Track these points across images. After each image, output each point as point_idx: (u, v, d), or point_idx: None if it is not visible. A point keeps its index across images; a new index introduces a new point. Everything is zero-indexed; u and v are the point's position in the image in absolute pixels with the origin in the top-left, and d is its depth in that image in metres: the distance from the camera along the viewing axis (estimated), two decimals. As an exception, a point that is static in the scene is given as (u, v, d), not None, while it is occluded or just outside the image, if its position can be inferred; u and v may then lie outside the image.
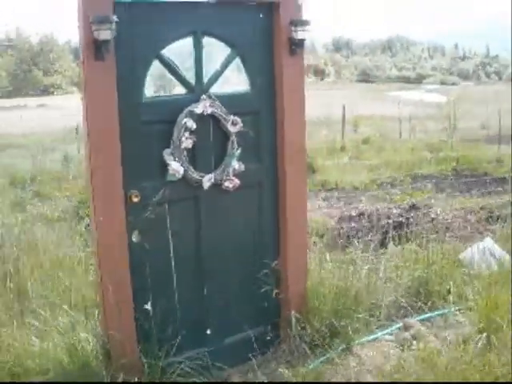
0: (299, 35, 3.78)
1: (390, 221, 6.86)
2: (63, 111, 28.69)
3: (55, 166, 12.94)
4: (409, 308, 4.74)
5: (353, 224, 7.00)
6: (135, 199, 3.51)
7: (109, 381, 3.35)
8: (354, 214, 7.63)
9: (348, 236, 6.48)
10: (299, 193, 4.15)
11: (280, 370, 3.78)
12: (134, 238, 3.57)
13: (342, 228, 6.63)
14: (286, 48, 3.86)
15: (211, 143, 3.78)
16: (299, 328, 4.08)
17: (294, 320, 4.05)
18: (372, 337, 4.38)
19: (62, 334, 3.58)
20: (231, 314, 4.04)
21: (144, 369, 3.55)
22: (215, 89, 3.76)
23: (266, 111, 3.98)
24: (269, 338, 4.10)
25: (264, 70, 3.92)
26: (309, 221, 6.09)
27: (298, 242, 4.18)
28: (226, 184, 3.79)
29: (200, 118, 3.63)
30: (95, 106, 3.33)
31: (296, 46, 3.83)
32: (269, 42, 3.90)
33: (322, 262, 4.69)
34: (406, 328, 4.60)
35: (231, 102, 3.80)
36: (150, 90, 3.56)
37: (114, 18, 3.17)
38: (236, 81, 3.89)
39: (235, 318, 4.04)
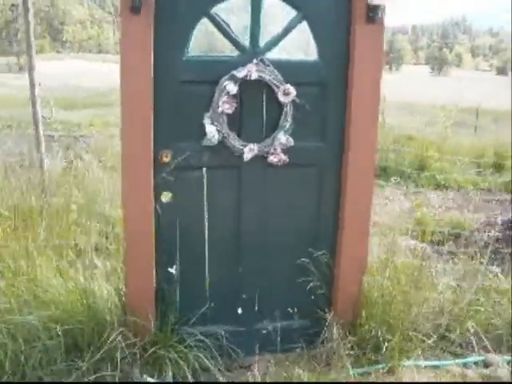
0: (375, 0, 3.28)
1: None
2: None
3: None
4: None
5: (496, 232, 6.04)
6: (165, 159, 3.38)
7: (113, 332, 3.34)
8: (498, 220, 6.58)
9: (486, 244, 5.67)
10: (365, 180, 3.65)
11: (299, 370, 3.45)
12: (164, 199, 3.46)
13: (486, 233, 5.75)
14: (362, 15, 3.36)
15: (262, 112, 3.47)
16: (343, 332, 3.67)
17: (336, 324, 3.65)
18: (429, 363, 3.77)
19: (84, 276, 3.61)
20: (268, 299, 3.75)
21: (151, 330, 3.47)
22: (274, 54, 3.43)
23: (335, 84, 3.53)
24: (306, 334, 3.75)
25: (336, 38, 3.47)
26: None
27: (357, 237, 3.70)
28: (271, 158, 3.47)
29: (248, 84, 3.36)
30: (129, 62, 3.22)
31: (373, 12, 3.33)
32: (343, 7, 3.43)
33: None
34: (487, 364, 3.89)
35: (292, 70, 3.44)
36: (196, 50, 3.36)
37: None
38: (302, 48, 3.54)
39: (272, 305, 3.74)
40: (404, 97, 21.26)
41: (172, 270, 3.57)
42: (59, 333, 3.26)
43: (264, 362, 3.63)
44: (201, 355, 3.44)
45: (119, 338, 3.33)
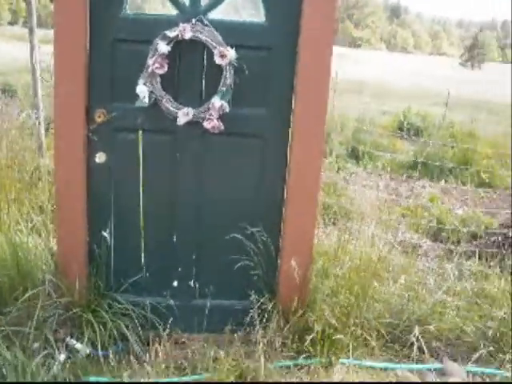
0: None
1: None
2: (356, 65, 27.88)
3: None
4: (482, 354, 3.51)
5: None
6: (98, 119, 3.29)
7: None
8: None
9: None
10: (313, 152, 3.33)
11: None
12: (98, 159, 3.37)
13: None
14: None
15: (201, 75, 3.28)
16: (283, 320, 3.41)
17: (275, 310, 3.41)
18: (375, 364, 3.43)
19: (18, 230, 3.61)
20: (204, 275, 3.57)
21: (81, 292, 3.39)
22: (217, 15, 3.22)
23: (283, 49, 3.26)
24: (240, 317, 3.50)
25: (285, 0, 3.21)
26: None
27: (303, 216, 3.41)
28: (205, 124, 3.27)
29: (186, 45, 3.17)
30: (63, 18, 3.13)
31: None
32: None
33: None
34: (446, 373, 3.47)
35: (235, 31, 3.21)
36: (135, 9, 3.24)
37: None
38: (250, 10, 3.29)
39: (207, 282, 3.57)
40: (480, 94, 19.93)
41: (105, 234, 3.48)
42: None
43: (192, 339, 3.49)
44: (121, 323, 3.34)
45: (43, 295, 3.31)
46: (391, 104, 15.19)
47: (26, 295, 3.29)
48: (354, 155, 9.01)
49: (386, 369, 3.42)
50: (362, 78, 23.17)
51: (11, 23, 51.70)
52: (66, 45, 3.17)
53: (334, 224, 4.78)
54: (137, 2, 3.33)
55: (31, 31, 5.56)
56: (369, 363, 3.41)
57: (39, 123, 5.53)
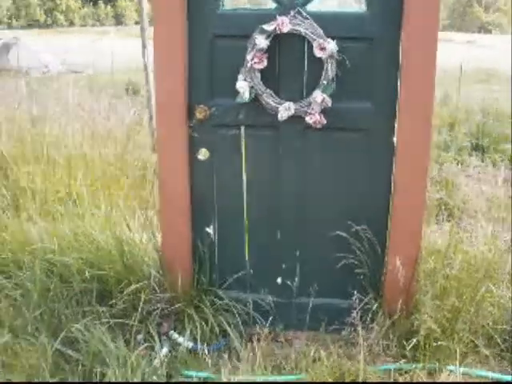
0: None
1: None
2: (491, 51, 26.46)
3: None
4: None
5: None
6: (199, 115, 3.30)
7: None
8: None
9: None
10: (420, 145, 3.15)
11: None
12: (201, 156, 3.39)
13: None
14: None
15: (303, 69, 3.19)
16: (390, 322, 3.27)
17: (381, 311, 3.27)
18: (483, 373, 3.17)
19: (127, 225, 3.71)
20: (309, 272, 3.50)
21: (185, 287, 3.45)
22: (316, 6, 3.12)
23: (386, 40, 3.09)
24: (349, 315, 3.35)
25: (387, -14, 3.03)
26: None
27: (410, 215, 3.22)
28: (307, 119, 3.18)
29: (286, 39, 3.11)
30: (160, 16, 3.18)
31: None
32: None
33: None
34: None
35: (335, 23, 3.09)
36: (233, 2, 3.21)
37: None
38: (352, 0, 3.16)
39: (315, 279, 3.48)
40: None
41: (209, 230, 3.51)
42: (90, 277, 3.42)
43: (294, 338, 3.44)
44: (223, 319, 3.35)
45: (148, 289, 3.40)
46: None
47: (131, 288, 3.40)
48: (479, 148, 8.51)
49: (500, 381, 3.17)
50: (492, 65, 21.87)
51: (137, 22, 54.32)
52: (166, 43, 3.21)
53: (448, 221, 4.52)
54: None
55: (143, 29, 5.74)
56: (481, 372, 3.17)
57: (151, 119, 5.70)
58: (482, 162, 7.77)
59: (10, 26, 48.44)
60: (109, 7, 58.63)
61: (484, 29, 62.87)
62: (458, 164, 7.42)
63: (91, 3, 60.02)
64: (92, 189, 4.33)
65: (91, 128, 5.70)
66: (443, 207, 4.91)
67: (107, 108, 6.59)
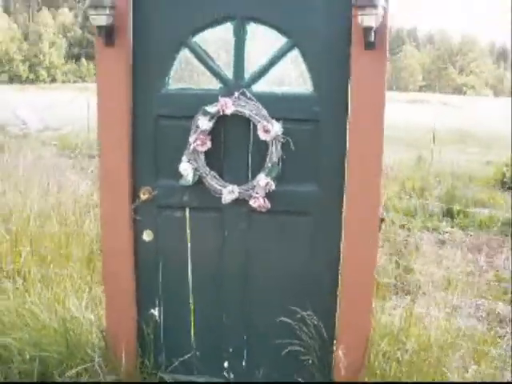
0: (364, 21, 2.75)
1: None
2: (460, 112, 26.89)
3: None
4: None
5: None
6: (143, 196, 3.23)
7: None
8: None
9: None
10: (368, 229, 3.08)
11: None
12: (146, 237, 3.30)
13: None
14: (360, 40, 2.87)
15: (247, 151, 3.15)
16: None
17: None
18: None
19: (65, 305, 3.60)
20: (258, 356, 3.37)
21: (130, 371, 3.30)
22: (261, 87, 3.10)
23: (332, 120, 3.06)
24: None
25: (332, 66, 3.02)
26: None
27: (359, 304, 3.14)
28: (251, 203, 3.13)
29: (230, 120, 3.08)
30: (104, 95, 3.15)
31: (369, 36, 2.81)
32: (340, 32, 2.96)
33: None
34: None
35: (280, 104, 3.08)
36: (177, 82, 3.18)
37: (109, 2, 2.91)
38: (296, 79, 3.13)
39: (262, 364, 3.36)
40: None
41: (154, 312, 3.39)
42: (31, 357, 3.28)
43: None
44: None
45: (91, 371, 3.26)
46: (498, 152, 14.31)
47: (72, 371, 3.25)
48: (449, 213, 8.51)
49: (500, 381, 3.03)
50: (467, 126, 22.25)
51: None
52: (110, 119, 3.18)
53: (406, 296, 4.44)
54: (182, 76, 3.25)
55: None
56: None
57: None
58: (452, 227, 7.78)
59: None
60: (91, 64, 59.21)
61: (458, 90, 64.69)
62: (427, 230, 7.41)
63: (74, 60, 60.75)
64: (40, 264, 4.22)
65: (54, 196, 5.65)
66: (400, 284, 4.84)
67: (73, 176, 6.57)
